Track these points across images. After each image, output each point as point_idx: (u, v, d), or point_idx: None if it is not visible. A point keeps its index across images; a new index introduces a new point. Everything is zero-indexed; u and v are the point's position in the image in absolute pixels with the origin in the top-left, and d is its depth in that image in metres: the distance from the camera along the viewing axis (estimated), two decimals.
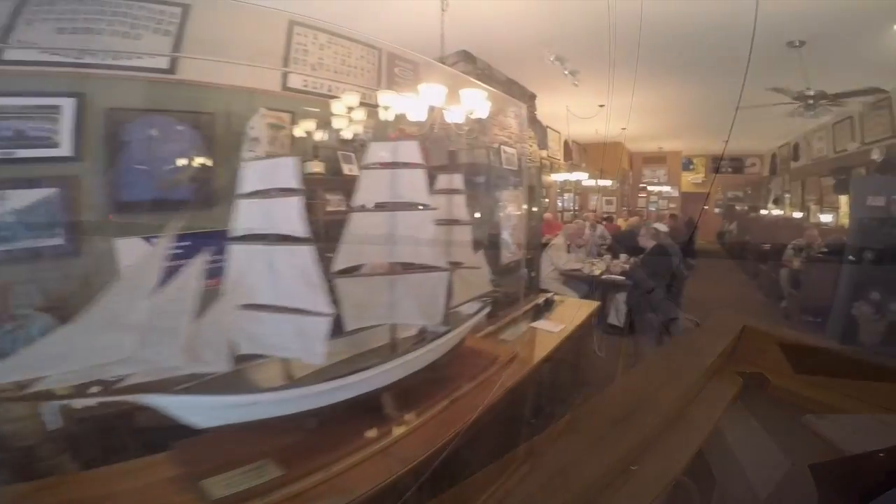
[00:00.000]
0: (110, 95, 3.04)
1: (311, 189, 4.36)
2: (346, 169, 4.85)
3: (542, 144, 9.31)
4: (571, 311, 3.25)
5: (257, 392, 1.44)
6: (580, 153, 12.25)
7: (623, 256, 6.17)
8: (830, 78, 5.42)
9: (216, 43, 3.54)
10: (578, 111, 8.09)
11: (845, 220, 7.80)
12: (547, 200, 10.20)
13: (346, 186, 5.00)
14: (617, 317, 5.14)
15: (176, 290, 1.25)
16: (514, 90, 6.59)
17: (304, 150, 4.50)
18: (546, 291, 5.50)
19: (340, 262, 1.66)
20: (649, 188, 14.73)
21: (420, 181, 1.68)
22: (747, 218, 11.40)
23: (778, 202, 12.22)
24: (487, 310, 2.12)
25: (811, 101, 4.99)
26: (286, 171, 1.50)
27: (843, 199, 7.94)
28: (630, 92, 7.55)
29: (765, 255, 7.92)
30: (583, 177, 8.17)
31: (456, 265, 2.03)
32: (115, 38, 3.13)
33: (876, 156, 6.65)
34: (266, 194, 1.49)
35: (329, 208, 4.69)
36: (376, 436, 1.61)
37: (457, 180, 2.05)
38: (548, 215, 8.85)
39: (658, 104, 7.96)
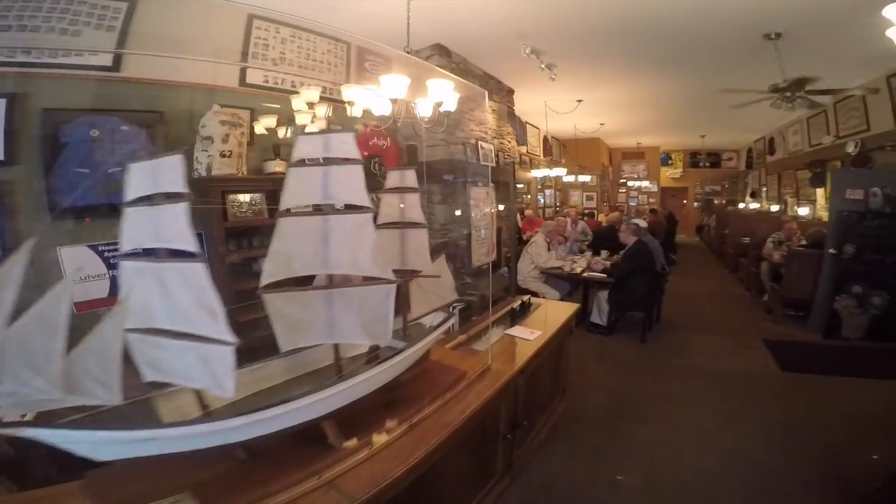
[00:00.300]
0: (46, 95, 2.82)
1: (273, 191, 4.12)
2: None
3: (521, 140, 9.14)
4: (549, 315, 3.04)
5: (155, 427, 1.20)
6: (560, 149, 12.13)
7: (604, 253, 6.04)
8: (808, 70, 5.36)
9: (167, 39, 3.32)
10: (557, 106, 7.94)
11: (823, 213, 7.83)
12: (528, 196, 10.05)
13: None
14: (599, 315, 4.99)
15: (42, 312, 1.00)
16: (492, 85, 6.38)
17: (264, 147, 4.24)
18: (525, 293, 5.34)
19: (268, 275, 1.42)
20: (629, 183, 14.73)
21: (356, 179, 1.44)
22: (725, 212, 11.43)
23: (755, 196, 12.30)
24: (452, 321, 1.90)
25: (787, 94, 4.90)
26: (171, 172, 1.20)
27: (820, 192, 7.96)
28: (606, 87, 7.50)
29: (744, 248, 7.89)
30: (562, 172, 8.02)
31: (410, 274, 1.80)
32: (53, 36, 2.89)
33: (850, 149, 6.64)
34: (152, 201, 1.23)
35: None
36: (318, 468, 1.37)
37: (409, 177, 1.80)
38: (528, 212, 8.69)
39: (634, 99, 7.85)
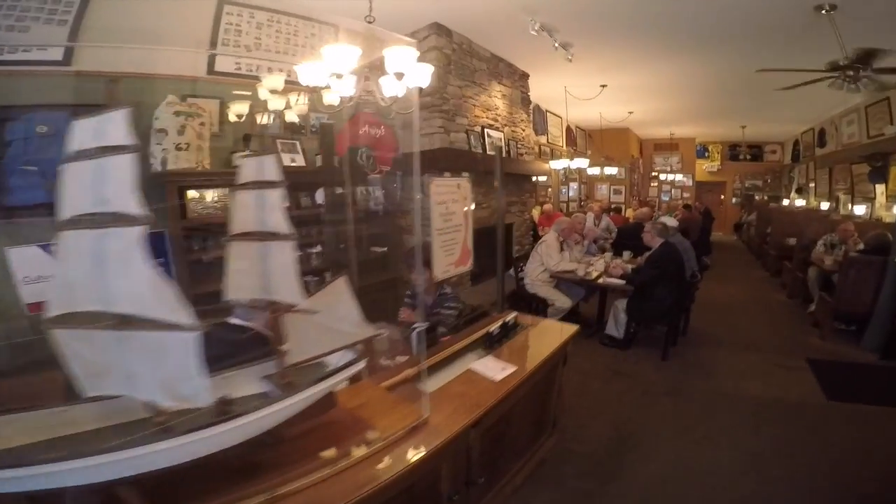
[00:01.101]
0: None
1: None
2: (288, 159, 4.12)
3: (541, 129, 8.44)
4: (536, 341, 2.44)
5: None
6: (585, 140, 11.30)
7: (626, 254, 5.33)
8: (868, 45, 4.48)
9: (127, 30, 3.03)
10: (578, 92, 7.20)
11: (883, 213, 6.83)
12: (550, 190, 9.34)
13: (289, 179, 4.36)
14: (616, 327, 4.34)
15: None
16: (502, 69, 5.74)
17: (234, 139, 3.80)
18: (534, 299, 4.73)
19: (52, 306, 0.91)
20: (661, 177, 13.70)
21: (123, 175, 0.93)
22: (768, 208, 10.35)
23: (801, 192, 11.13)
24: (360, 366, 1.36)
25: (850, 73, 4.06)
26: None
27: (880, 189, 6.94)
28: (633, 71, 6.71)
29: (789, 250, 6.97)
30: (583, 163, 7.25)
31: (267, 308, 1.24)
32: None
33: None
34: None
35: None
36: None
37: (268, 167, 1.20)
38: (547, 206, 8.00)
39: (665, 84, 7.01)
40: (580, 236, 5.29)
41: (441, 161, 4.39)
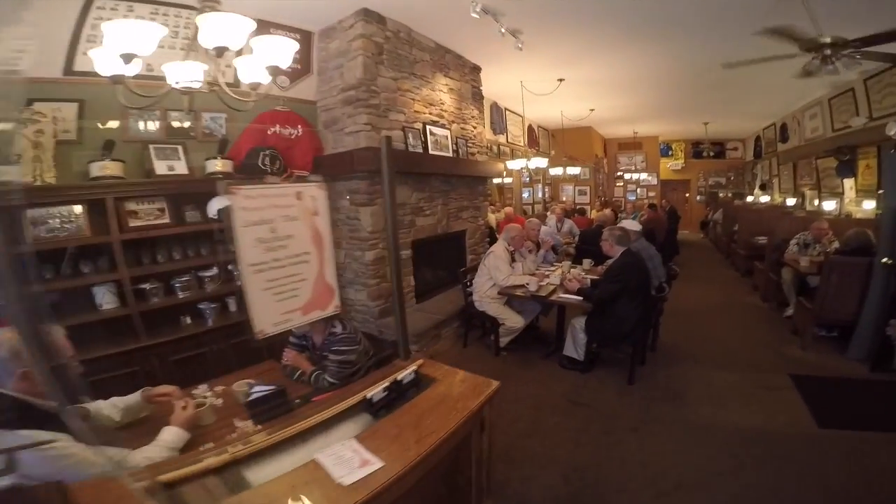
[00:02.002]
0: None
1: (96, 200, 2.87)
2: (165, 167, 3.30)
3: (499, 128, 7.79)
4: (442, 406, 1.66)
5: None
6: (549, 140, 10.73)
7: (587, 262, 4.70)
8: (844, 28, 3.98)
9: None
10: (535, 87, 6.56)
11: (853, 209, 6.43)
12: (511, 192, 8.71)
13: (167, 191, 3.20)
14: (575, 347, 3.68)
15: None
16: (448, 60, 5.04)
17: (93, 146, 2.99)
18: (484, 317, 4.01)
19: None
20: (626, 176, 13.28)
21: None
22: (733, 206, 9.97)
23: (765, 188, 10.84)
24: None
25: (829, 52, 3.50)
26: None
27: (849, 184, 6.54)
28: (592, 63, 6.07)
29: (759, 249, 6.49)
30: (542, 163, 6.61)
31: None
32: None
33: (893, 131, 5.21)
34: None
35: (134, 223, 3.14)
36: None
37: None
38: (508, 209, 7.34)
39: (626, 79, 6.45)
40: (534, 244, 4.61)
41: (365, 162, 3.64)
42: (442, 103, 4.86)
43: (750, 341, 4.62)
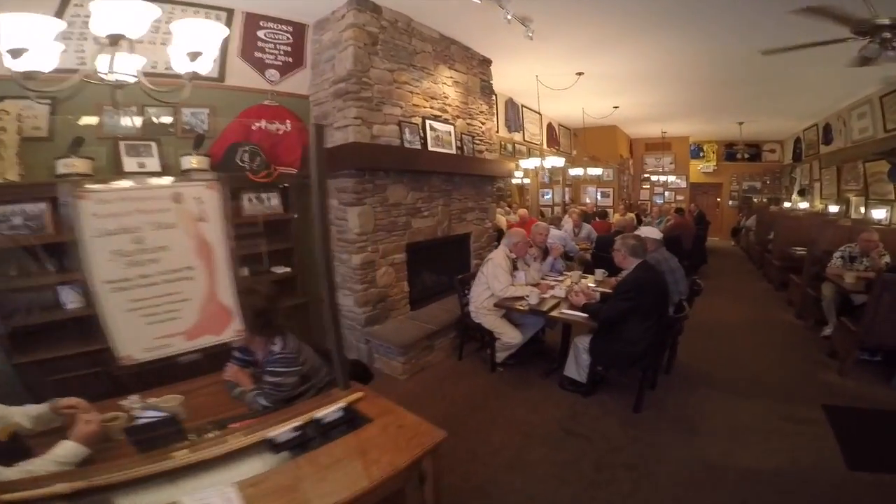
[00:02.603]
0: None
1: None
2: (135, 164, 3.06)
3: (514, 126, 7.36)
4: (364, 459, 1.28)
5: None
6: (570, 139, 10.20)
7: (599, 272, 4.23)
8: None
9: None
10: (552, 81, 6.11)
11: None
12: (528, 193, 8.27)
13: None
14: (577, 368, 3.26)
15: None
16: (454, 52, 4.67)
17: (66, 143, 2.79)
18: (479, 330, 3.62)
19: None
20: (653, 178, 12.55)
21: None
22: (768, 212, 9.18)
23: (804, 193, 9.98)
24: None
25: (888, 35, 2.95)
26: None
27: None
28: (613, 54, 5.27)
29: (797, 261, 5.84)
30: (558, 162, 6.12)
31: None
32: None
33: None
34: None
35: None
36: None
37: None
38: (522, 211, 6.90)
39: (652, 72, 5.91)
40: (540, 251, 4.18)
41: (352, 159, 3.33)
42: (445, 97, 4.50)
43: (780, 364, 4.07)
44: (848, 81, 6.35)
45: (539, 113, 8.24)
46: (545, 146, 8.68)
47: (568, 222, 6.89)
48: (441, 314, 4.20)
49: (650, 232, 3.78)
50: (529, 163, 6.24)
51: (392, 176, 3.82)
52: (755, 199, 12.53)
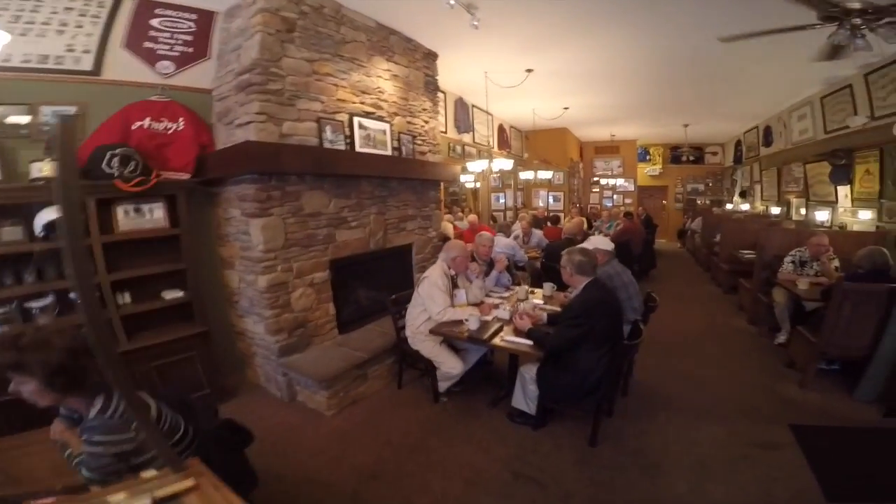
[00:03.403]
0: None
1: None
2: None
3: (464, 126, 6.88)
4: None
5: None
6: (522, 141, 9.87)
7: (548, 287, 3.78)
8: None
9: None
10: (501, 79, 5.67)
11: (847, 219, 5.68)
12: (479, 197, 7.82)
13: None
14: (526, 400, 2.79)
15: None
16: (394, 42, 4.11)
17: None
18: (417, 358, 3.07)
19: None
20: (602, 181, 12.49)
21: None
22: (712, 214, 9.20)
23: (745, 195, 10.15)
24: None
25: (858, 20, 2.65)
26: None
27: (843, 191, 5.79)
28: (562, 49, 4.75)
29: (745, 265, 5.70)
30: (506, 164, 5.66)
31: None
32: None
33: None
34: None
35: None
36: None
37: None
38: (472, 217, 6.44)
39: (602, 69, 5.58)
40: (482, 265, 3.68)
41: (248, 161, 2.69)
42: (381, 92, 3.93)
43: (739, 378, 3.78)
44: (792, 82, 6.32)
45: (490, 114, 7.81)
46: (496, 148, 8.27)
47: (517, 229, 6.48)
48: (377, 338, 3.61)
49: (600, 242, 3.36)
50: (477, 165, 5.76)
51: (308, 181, 3.20)
52: (699, 202, 12.75)
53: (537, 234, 6.44)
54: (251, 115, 2.85)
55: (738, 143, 10.89)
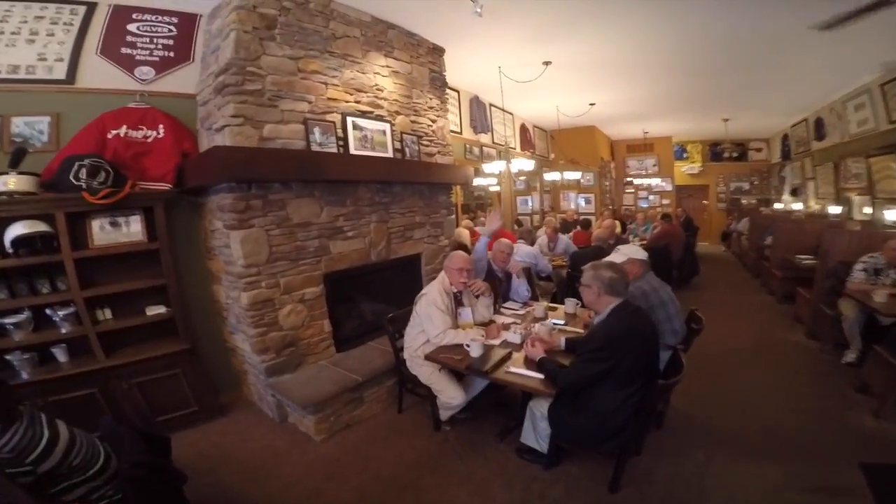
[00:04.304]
0: None
1: None
2: None
3: (482, 126, 6.47)
4: None
5: None
6: (547, 141, 9.35)
7: (570, 303, 3.15)
8: None
9: None
10: (516, 73, 5.24)
11: None
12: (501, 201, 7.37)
13: None
14: (536, 436, 2.34)
15: None
16: (393, 37, 3.78)
17: None
18: (414, 383, 2.68)
19: None
20: (636, 182, 11.71)
21: None
22: (762, 215, 8.30)
23: (797, 193, 9.18)
24: None
25: None
26: None
27: None
28: (581, 37, 4.26)
29: (804, 271, 4.97)
30: (526, 165, 5.16)
31: None
32: None
33: None
34: None
35: None
36: None
37: None
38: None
39: (629, 58, 5.05)
40: (499, 275, 3.25)
41: (220, 169, 2.40)
42: (379, 90, 3.59)
43: (798, 404, 3.17)
44: (841, 70, 5.60)
45: (510, 113, 7.38)
46: (519, 149, 7.81)
47: (542, 236, 5.98)
48: (377, 357, 3.25)
49: (632, 252, 2.85)
50: (494, 167, 5.30)
51: (295, 188, 2.88)
52: (744, 201, 11.75)
53: (564, 239, 5.91)
54: (226, 119, 2.57)
55: (785, 138, 9.92)
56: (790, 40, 4.53)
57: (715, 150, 11.84)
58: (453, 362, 2.34)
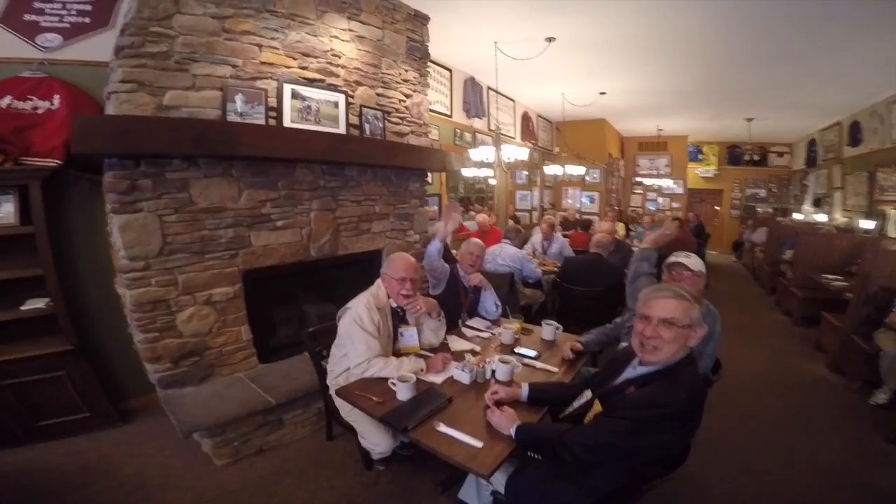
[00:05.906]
0: None
1: None
2: None
3: (475, 110, 5.79)
4: None
5: None
6: (551, 132, 8.62)
7: (548, 328, 2.42)
8: None
9: None
10: (514, 50, 4.55)
11: None
12: (504, 195, 6.71)
13: None
14: (478, 496, 1.73)
15: None
16: (371, 4, 3.13)
17: None
18: (342, 427, 2.04)
19: None
20: (645, 182, 10.91)
21: None
22: (783, 226, 7.46)
23: (820, 204, 8.34)
24: None
25: None
26: None
27: None
28: (592, 8, 3.58)
29: (832, 294, 4.25)
30: (521, 153, 4.50)
31: None
32: None
33: None
34: None
35: None
36: None
37: None
38: (481, 217, 5.36)
39: (643, 40, 4.33)
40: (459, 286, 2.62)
41: (87, 141, 1.81)
42: (335, 55, 2.94)
43: (816, 457, 2.57)
44: (888, 69, 4.82)
45: (511, 99, 6.68)
46: (519, 139, 7.12)
47: (537, 236, 5.32)
48: (305, 374, 2.63)
49: (693, 264, 2.17)
50: (481, 153, 4.60)
51: (204, 165, 2.28)
52: (759, 210, 10.90)
53: (560, 240, 5.22)
54: (113, 85, 1.99)
55: (812, 143, 9.06)
56: (836, 31, 3.82)
57: (733, 153, 10.98)
58: (369, 404, 1.72)
